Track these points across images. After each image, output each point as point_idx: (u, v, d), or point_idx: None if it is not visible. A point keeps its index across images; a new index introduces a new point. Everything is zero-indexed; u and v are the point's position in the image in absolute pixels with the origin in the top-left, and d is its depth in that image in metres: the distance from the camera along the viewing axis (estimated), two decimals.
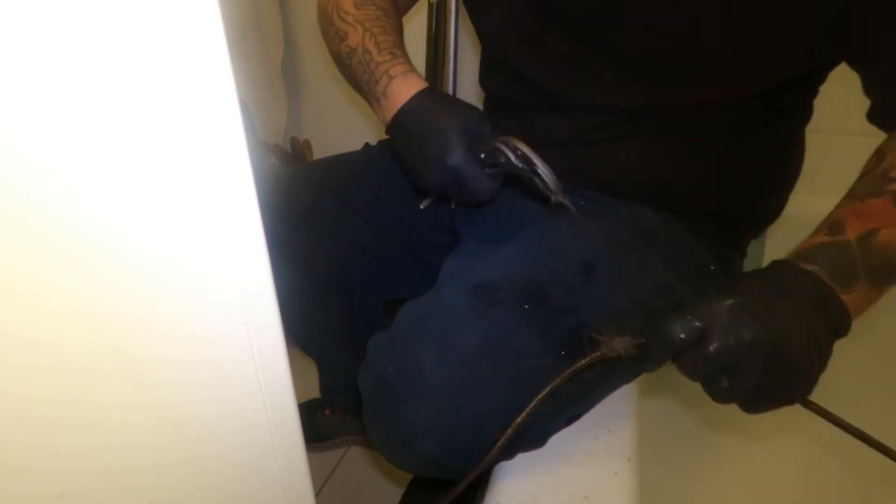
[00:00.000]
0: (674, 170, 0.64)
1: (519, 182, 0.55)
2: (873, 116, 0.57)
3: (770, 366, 0.39)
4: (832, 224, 0.48)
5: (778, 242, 0.72)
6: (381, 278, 0.78)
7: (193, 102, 0.26)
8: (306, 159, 1.33)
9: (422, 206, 0.69)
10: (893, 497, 0.87)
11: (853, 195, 0.50)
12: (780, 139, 0.57)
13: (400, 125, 0.58)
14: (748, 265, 0.80)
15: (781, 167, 0.69)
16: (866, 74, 0.56)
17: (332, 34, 0.66)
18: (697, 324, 0.40)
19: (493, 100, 0.77)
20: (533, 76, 0.67)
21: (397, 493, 0.99)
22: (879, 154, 0.53)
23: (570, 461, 0.59)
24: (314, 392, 0.94)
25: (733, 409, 0.45)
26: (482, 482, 0.60)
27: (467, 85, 1.16)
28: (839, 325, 0.43)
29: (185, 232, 0.29)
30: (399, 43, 0.63)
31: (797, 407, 0.44)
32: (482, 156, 0.54)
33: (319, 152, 1.35)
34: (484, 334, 0.53)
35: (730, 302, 0.40)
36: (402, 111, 0.57)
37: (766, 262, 0.48)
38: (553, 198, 0.52)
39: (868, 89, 0.57)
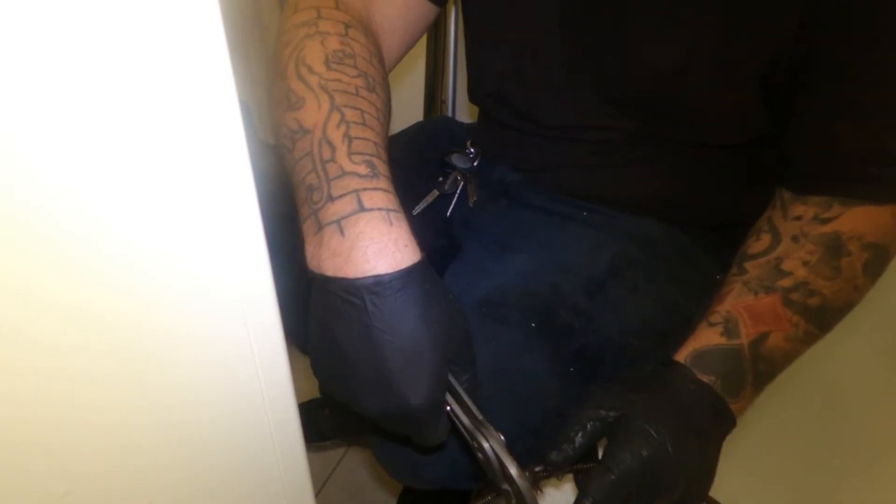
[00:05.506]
0: (676, 189, 0.64)
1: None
2: (787, 179, 0.54)
3: (670, 489, 0.43)
4: (727, 321, 0.49)
5: None
6: None
7: (194, 103, 0.26)
8: None
9: (414, 213, 0.69)
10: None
11: (747, 286, 0.51)
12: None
13: (357, 301, 0.37)
14: None
15: None
16: (794, 128, 0.54)
17: (279, 95, 0.44)
18: (610, 471, 0.41)
19: (488, 120, 0.75)
20: (531, 111, 0.64)
21: (397, 492, 0.99)
22: (774, 233, 0.52)
23: None
24: (314, 392, 0.94)
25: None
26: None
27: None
28: (727, 432, 0.47)
29: (186, 232, 0.29)
30: (381, 142, 0.43)
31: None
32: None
33: None
34: (491, 355, 0.53)
35: (643, 451, 0.41)
36: (371, 285, 0.37)
37: None
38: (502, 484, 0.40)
39: (789, 146, 0.54)
